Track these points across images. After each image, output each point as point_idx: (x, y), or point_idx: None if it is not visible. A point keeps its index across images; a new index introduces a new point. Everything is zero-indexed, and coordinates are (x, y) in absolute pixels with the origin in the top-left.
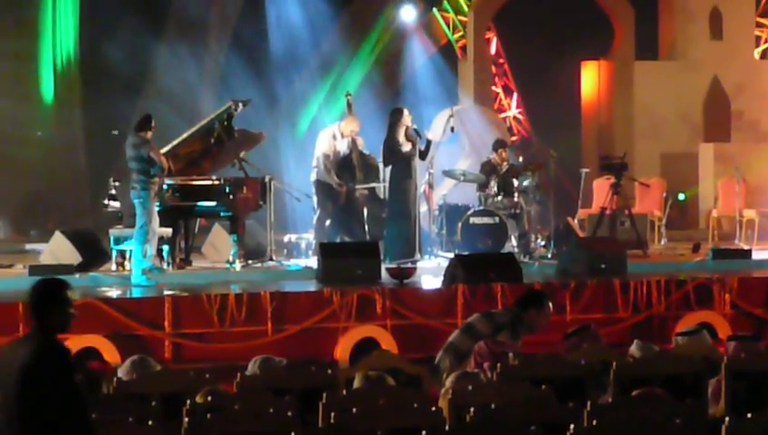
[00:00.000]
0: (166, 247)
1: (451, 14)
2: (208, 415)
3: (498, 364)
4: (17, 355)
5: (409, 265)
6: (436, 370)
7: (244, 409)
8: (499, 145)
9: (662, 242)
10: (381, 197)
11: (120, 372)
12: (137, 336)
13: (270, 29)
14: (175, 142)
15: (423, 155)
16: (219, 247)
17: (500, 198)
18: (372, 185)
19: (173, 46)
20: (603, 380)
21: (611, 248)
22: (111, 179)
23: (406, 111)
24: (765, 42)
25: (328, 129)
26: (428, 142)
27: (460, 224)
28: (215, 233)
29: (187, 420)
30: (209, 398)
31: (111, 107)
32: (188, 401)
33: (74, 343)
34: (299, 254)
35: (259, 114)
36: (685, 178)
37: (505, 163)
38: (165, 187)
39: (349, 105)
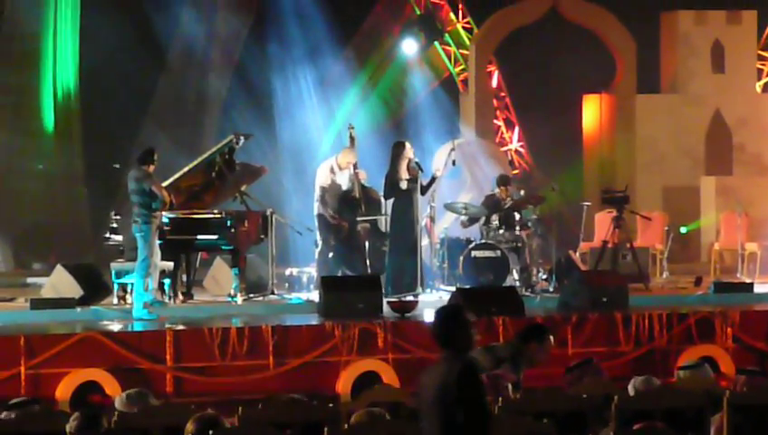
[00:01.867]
0: (167, 281)
1: (453, 48)
2: None
3: (499, 398)
4: (436, 376)
5: (411, 298)
6: None
7: None
8: (503, 181)
9: (664, 275)
10: (383, 230)
11: (118, 405)
12: (138, 370)
13: (272, 62)
14: (176, 176)
15: (424, 190)
16: (221, 281)
17: (502, 231)
18: (374, 218)
19: (174, 79)
20: (605, 414)
21: (613, 282)
22: (113, 213)
23: (408, 145)
24: (767, 75)
25: (326, 162)
26: (433, 178)
27: (462, 257)
28: (216, 266)
29: None
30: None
31: (112, 140)
32: None
33: (75, 376)
34: (300, 287)
35: (261, 148)
36: (686, 211)
37: (509, 199)
38: (165, 220)
39: (351, 138)
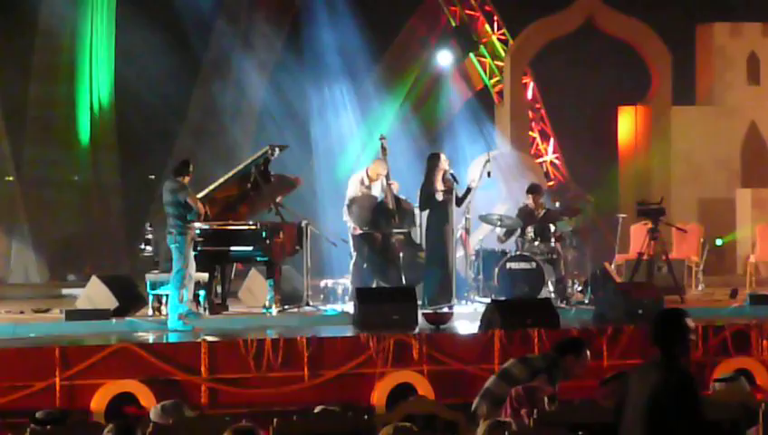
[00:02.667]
0: (202, 292)
1: (488, 59)
2: None
3: (535, 410)
4: (649, 379)
5: (446, 310)
6: (473, 416)
7: None
8: (532, 190)
9: (699, 288)
10: (417, 241)
11: (152, 416)
12: (173, 381)
13: (307, 73)
14: (211, 187)
15: (459, 201)
16: (256, 292)
17: (537, 243)
18: (408, 230)
19: (209, 91)
20: None
21: (648, 294)
22: (147, 224)
23: (443, 157)
24: None
25: (357, 174)
26: (468, 190)
27: (497, 269)
28: (251, 278)
29: None
30: None
31: (148, 151)
32: None
33: (111, 387)
34: (335, 299)
35: (296, 159)
36: (722, 223)
37: (541, 208)
38: (198, 232)
39: (383, 148)
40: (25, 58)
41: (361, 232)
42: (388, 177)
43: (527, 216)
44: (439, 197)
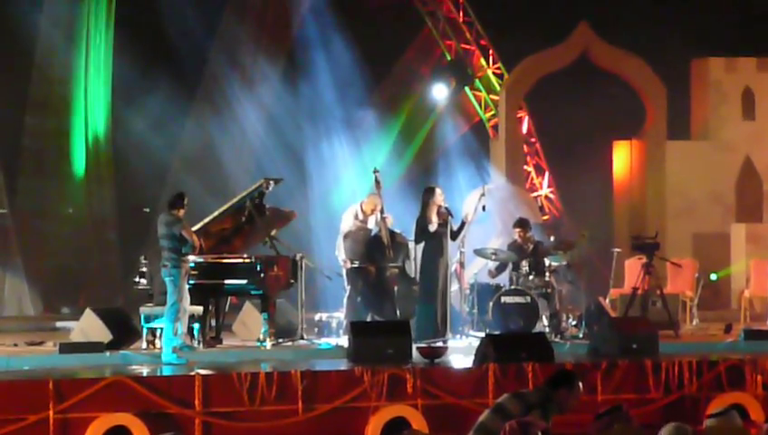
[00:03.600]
0: (196, 325)
1: (483, 93)
2: None
3: None
4: None
5: (440, 344)
6: None
7: None
8: (519, 224)
9: (694, 322)
10: (412, 275)
11: None
12: (167, 415)
13: (301, 106)
14: (206, 220)
15: (454, 235)
16: (250, 326)
17: (531, 277)
18: (401, 263)
19: (204, 123)
20: None
21: (643, 328)
22: (142, 257)
23: (438, 190)
24: None
25: (351, 207)
26: (462, 224)
27: (491, 303)
28: (245, 311)
29: None
30: None
31: (142, 184)
32: None
33: (104, 421)
34: (330, 332)
35: (290, 192)
36: (717, 258)
37: (529, 242)
38: (192, 265)
39: (377, 181)
40: (20, 89)
41: (355, 266)
42: (382, 210)
43: (517, 250)
44: (433, 228)
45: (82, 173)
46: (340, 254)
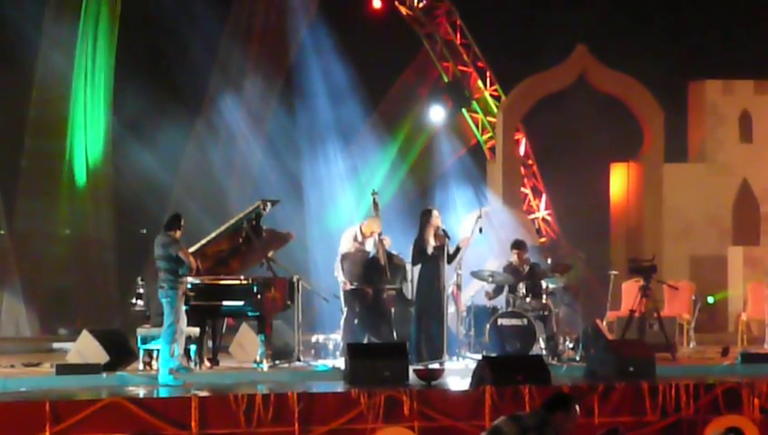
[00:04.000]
0: (193, 347)
1: (480, 115)
2: None
3: None
4: None
5: (437, 366)
6: None
7: None
8: (517, 246)
9: (691, 345)
10: (408, 297)
11: None
12: None
13: (299, 128)
14: (203, 241)
15: (450, 259)
16: (246, 347)
17: (528, 299)
18: (398, 285)
19: (202, 145)
20: None
21: (640, 351)
22: (139, 278)
23: (435, 212)
24: None
25: (350, 229)
26: (458, 248)
27: (488, 325)
28: (242, 333)
29: None
30: None
31: (140, 205)
32: None
33: None
34: (326, 354)
35: (287, 214)
36: (714, 281)
37: (525, 264)
38: (189, 286)
39: (375, 203)
40: (20, 110)
41: (353, 287)
42: (380, 232)
43: (513, 272)
44: (430, 250)
45: (80, 194)
46: (339, 275)
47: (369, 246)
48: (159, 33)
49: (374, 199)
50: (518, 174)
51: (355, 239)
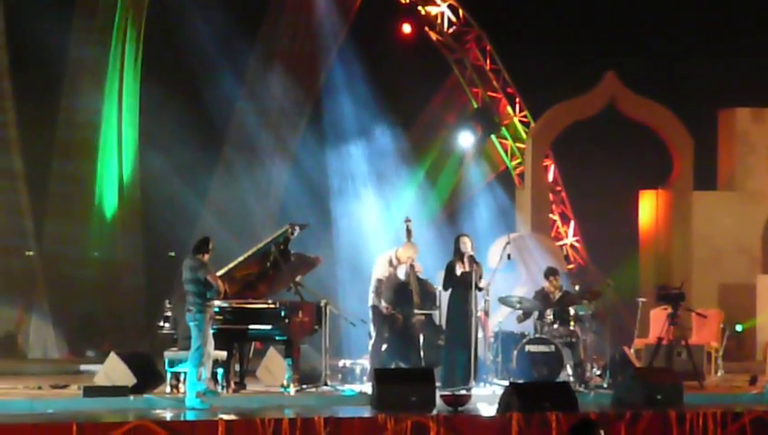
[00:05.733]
0: (220, 371)
1: (509, 141)
2: None
3: None
4: None
5: (464, 392)
6: None
7: None
8: (550, 273)
9: (719, 374)
10: (438, 323)
11: None
12: None
13: (328, 152)
14: (231, 265)
15: (479, 285)
16: (274, 371)
17: (556, 326)
18: (429, 312)
19: (231, 169)
20: None
21: (668, 379)
22: (167, 301)
23: (467, 239)
24: None
25: (385, 254)
26: (481, 277)
27: (516, 351)
28: (269, 357)
29: None
30: None
31: (168, 228)
32: None
33: None
34: (354, 379)
35: (316, 238)
36: (742, 309)
37: (557, 291)
38: (216, 310)
39: (408, 231)
40: (48, 135)
41: (383, 312)
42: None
43: (543, 298)
44: (459, 271)
45: (110, 217)
46: (374, 299)
47: (401, 272)
48: (189, 56)
49: (407, 227)
50: (546, 200)
51: (390, 264)
